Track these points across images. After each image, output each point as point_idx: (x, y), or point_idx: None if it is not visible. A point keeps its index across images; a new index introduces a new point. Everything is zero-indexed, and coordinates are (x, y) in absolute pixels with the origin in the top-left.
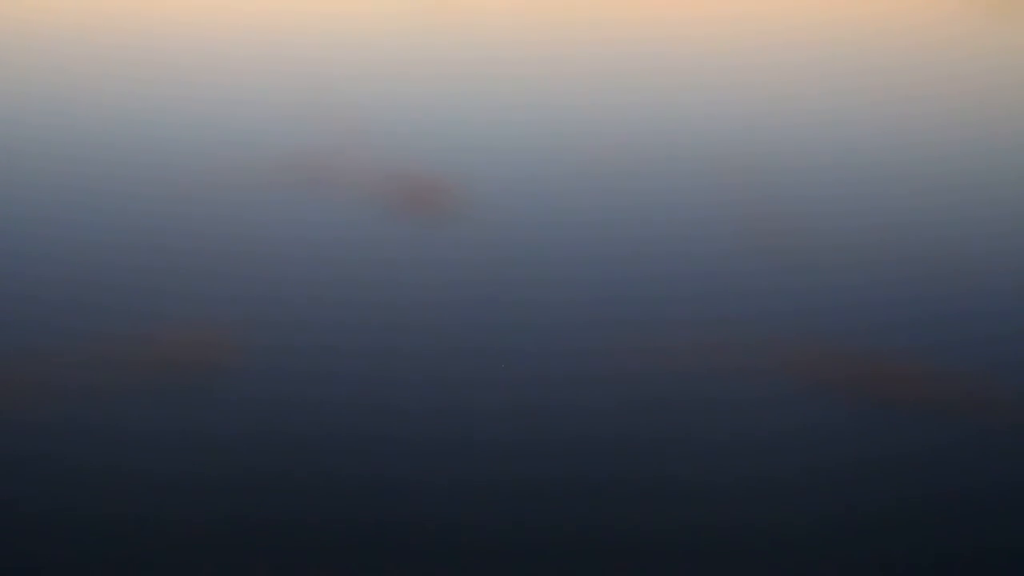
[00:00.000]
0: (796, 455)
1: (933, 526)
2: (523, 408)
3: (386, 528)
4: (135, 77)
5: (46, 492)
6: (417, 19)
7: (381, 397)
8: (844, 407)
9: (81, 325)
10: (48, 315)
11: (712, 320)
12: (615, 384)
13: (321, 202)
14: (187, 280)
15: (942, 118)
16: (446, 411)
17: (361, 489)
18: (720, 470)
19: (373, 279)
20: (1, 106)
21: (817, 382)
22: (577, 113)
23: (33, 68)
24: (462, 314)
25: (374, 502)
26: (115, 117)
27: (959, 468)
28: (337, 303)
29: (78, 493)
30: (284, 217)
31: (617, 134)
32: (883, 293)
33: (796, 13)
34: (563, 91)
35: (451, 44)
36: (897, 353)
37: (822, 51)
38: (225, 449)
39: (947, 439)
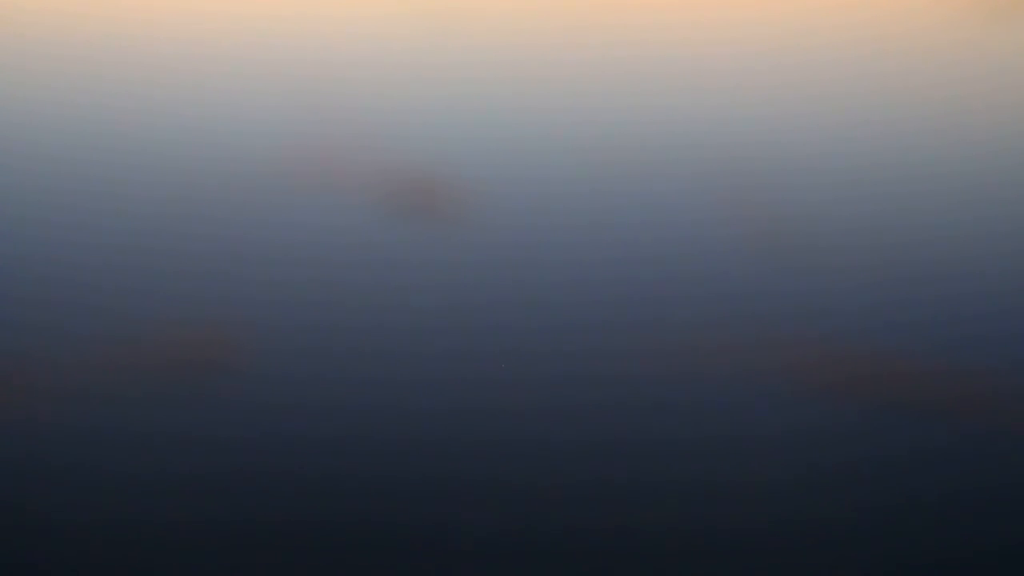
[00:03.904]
0: (800, 457)
1: (938, 527)
2: (524, 410)
3: (389, 530)
4: (135, 75)
5: (47, 495)
6: (420, 19)
7: (382, 398)
8: (848, 408)
9: (80, 327)
10: (46, 317)
11: (715, 321)
12: (616, 386)
13: (322, 203)
14: (187, 281)
15: (946, 119)
16: (446, 412)
17: (364, 491)
18: (723, 472)
19: (375, 280)
20: None
21: (820, 383)
22: (580, 115)
23: (29, 67)
24: (463, 316)
25: (378, 504)
26: (114, 116)
27: (966, 469)
28: (338, 304)
29: (79, 495)
30: (285, 218)
31: (620, 135)
32: (886, 294)
33: (798, 16)
34: (566, 92)
35: (454, 44)
36: (900, 354)
37: (826, 52)
38: (227, 451)
39: (953, 439)
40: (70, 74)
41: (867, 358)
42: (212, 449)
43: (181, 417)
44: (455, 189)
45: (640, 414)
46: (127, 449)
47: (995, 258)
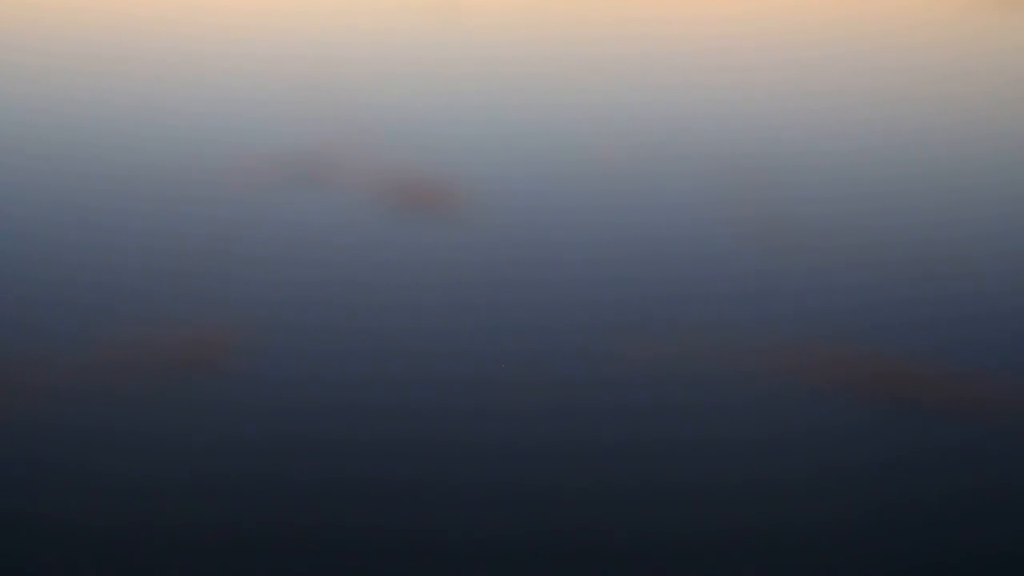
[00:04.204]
0: (808, 457)
1: (945, 527)
2: (526, 412)
3: (388, 532)
4: (133, 73)
5: (44, 496)
6: (420, 16)
7: (380, 400)
8: (855, 409)
9: (78, 327)
10: (44, 317)
11: (719, 322)
12: (622, 388)
13: (321, 202)
14: (185, 281)
15: (951, 116)
16: (446, 414)
17: (362, 493)
18: (731, 473)
19: (374, 280)
20: None
21: (827, 384)
22: (581, 111)
23: (26, 65)
24: (463, 316)
25: (376, 506)
26: (112, 115)
27: (972, 469)
28: (336, 304)
29: (76, 497)
30: (283, 217)
31: (621, 133)
32: (894, 294)
33: (801, 11)
34: (567, 90)
35: (454, 42)
36: (908, 354)
37: (827, 49)
38: (223, 453)
39: (960, 440)
40: (69, 72)
41: (878, 360)
42: (208, 451)
43: (178, 418)
44: (459, 188)
45: (646, 416)
46: (124, 450)
47: (1008, 258)
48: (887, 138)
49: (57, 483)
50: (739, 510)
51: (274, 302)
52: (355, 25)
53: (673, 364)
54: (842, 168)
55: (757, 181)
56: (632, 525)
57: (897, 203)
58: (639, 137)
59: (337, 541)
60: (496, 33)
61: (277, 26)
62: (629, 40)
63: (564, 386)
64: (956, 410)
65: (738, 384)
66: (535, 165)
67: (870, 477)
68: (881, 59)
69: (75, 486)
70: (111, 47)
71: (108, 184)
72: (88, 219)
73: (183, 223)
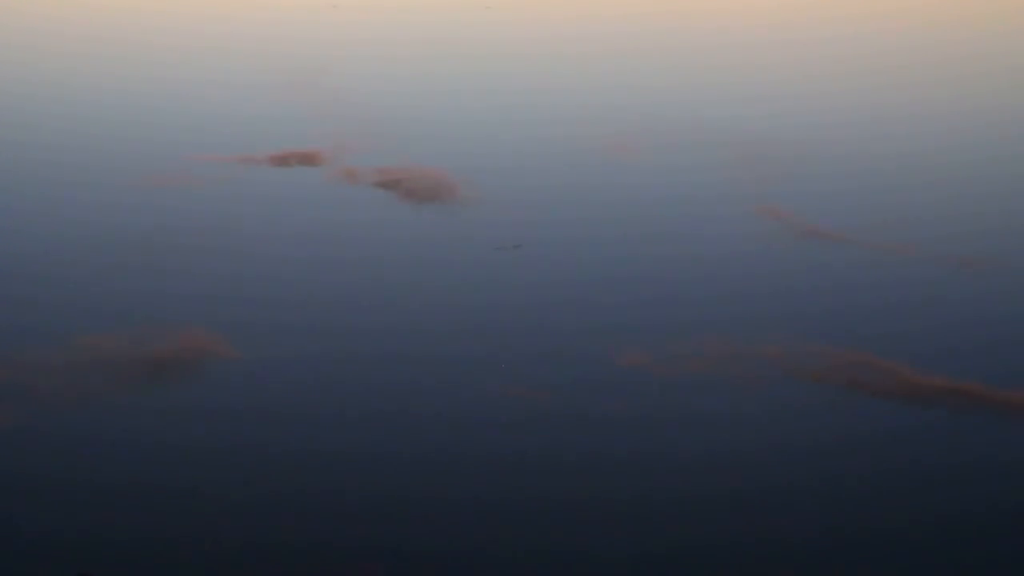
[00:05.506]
0: (824, 463)
1: (968, 536)
2: (529, 416)
3: (388, 543)
4: (125, 64)
5: (31, 503)
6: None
7: (379, 403)
8: (875, 414)
9: (64, 327)
10: (29, 317)
11: (729, 324)
12: (630, 392)
13: (319, 198)
14: (176, 280)
15: (975, 101)
16: (446, 419)
17: (361, 504)
18: (747, 481)
19: (374, 278)
20: None
21: (846, 388)
22: (585, 97)
23: (11, 52)
24: (464, 316)
25: (375, 517)
26: (99, 104)
27: (1000, 477)
28: (334, 304)
29: (67, 504)
30: (281, 214)
31: (626, 125)
32: (911, 295)
33: None
34: (572, 77)
35: (455, 29)
36: (927, 359)
37: (840, 33)
38: (216, 459)
39: (984, 447)
40: (60, 65)
41: (898, 365)
42: (201, 457)
43: (169, 423)
44: (460, 184)
45: (655, 423)
46: (113, 457)
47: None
48: (920, 125)
49: (43, 491)
50: (761, 520)
51: (266, 302)
52: (352, 16)
53: (688, 368)
54: (868, 159)
55: (777, 171)
56: (645, 536)
57: (914, 199)
58: (646, 127)
59: (333, 548)
60: (498, 20)
61: (274, 19)
62: (637, 23)
63: (573, 391)
64: (989, 417)
65: (753, 388)
66: (542, 160)
67: (896, 484)
68: (896, 46)
69: (64, 494)
70: (97, 36)
71: (98, 176)
72: (79, 215)
73: (177, 220)
